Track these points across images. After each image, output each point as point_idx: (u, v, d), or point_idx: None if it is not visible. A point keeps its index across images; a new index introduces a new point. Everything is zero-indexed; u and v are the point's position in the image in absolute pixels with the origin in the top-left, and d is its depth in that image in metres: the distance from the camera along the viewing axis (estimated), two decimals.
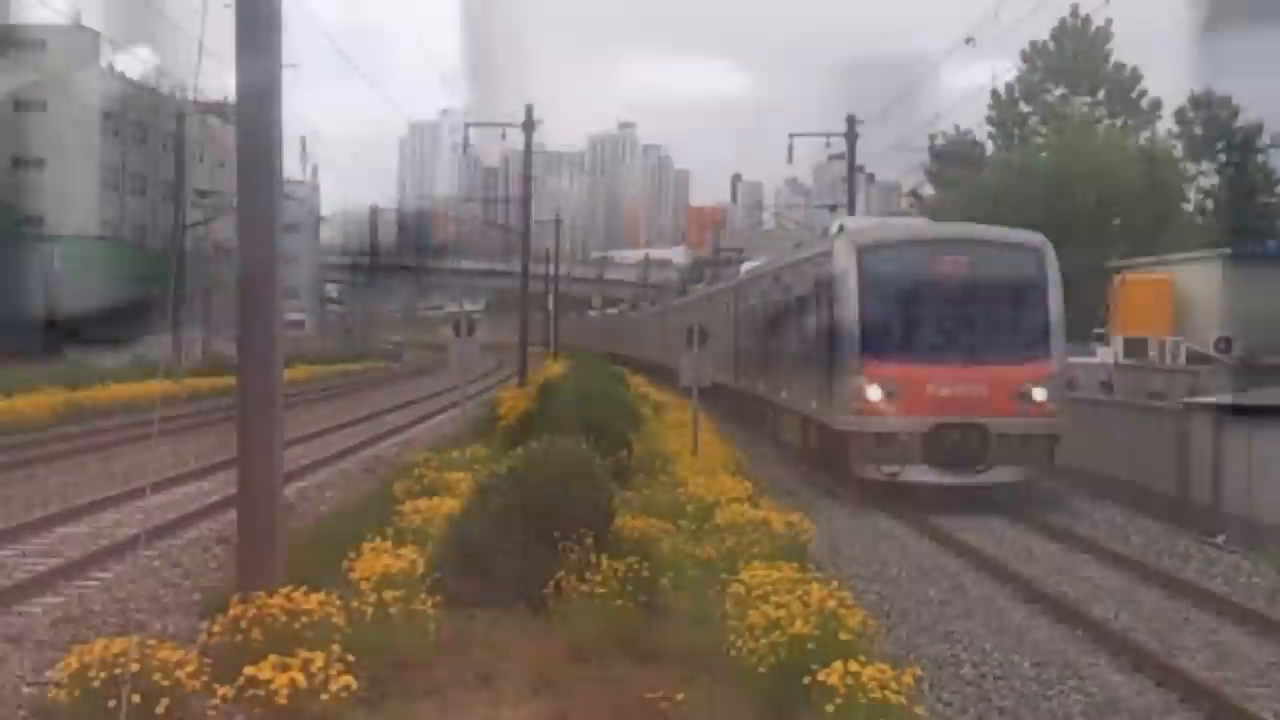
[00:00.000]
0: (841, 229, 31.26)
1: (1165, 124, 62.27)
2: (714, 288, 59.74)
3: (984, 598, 17.64)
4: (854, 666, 9.99)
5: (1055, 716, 12.22)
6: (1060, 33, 61.92)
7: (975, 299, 26.10)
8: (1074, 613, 16.50)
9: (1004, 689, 13.09)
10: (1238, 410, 24.33)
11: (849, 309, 25.55)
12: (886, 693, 9.71)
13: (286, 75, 13.80)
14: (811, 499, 25.79)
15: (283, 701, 9.84)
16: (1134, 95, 62.60)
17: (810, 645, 10.84)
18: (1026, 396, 24.75)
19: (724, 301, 50.49)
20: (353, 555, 14.63)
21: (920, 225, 36.12)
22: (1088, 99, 62.10)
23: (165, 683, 9.63)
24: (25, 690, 12.08)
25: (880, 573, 19.16)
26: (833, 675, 9.89)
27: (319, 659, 10.15)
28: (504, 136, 61.69)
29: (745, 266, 50.67)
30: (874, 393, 24.83)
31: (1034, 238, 27.97)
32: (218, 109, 52.87)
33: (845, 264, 26.10)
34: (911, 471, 24.57)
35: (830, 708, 9.69)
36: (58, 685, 10.17)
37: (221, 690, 10.32)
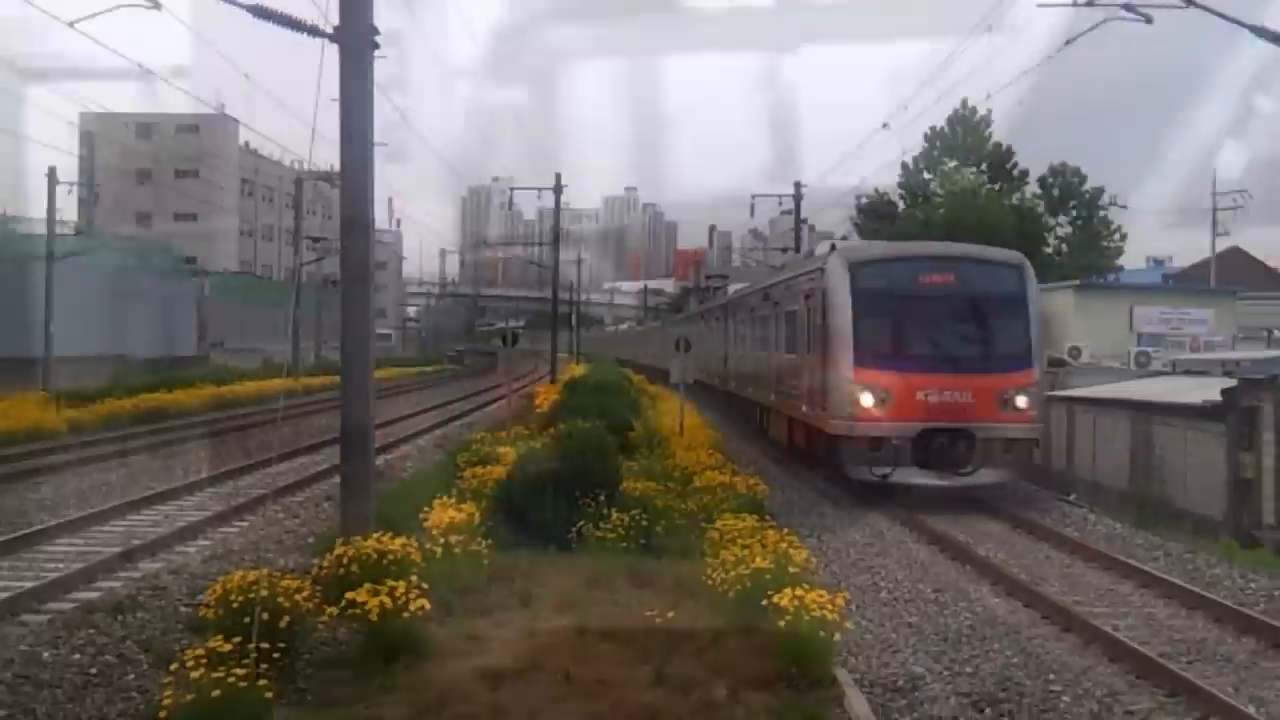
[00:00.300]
0: (834, 248, 26.97)
1: (1031, 188, 62.40)
2: (705, 305, 53.88)
3: (897, 540, 17.65)
4: (800, 592, 10.02)
5: (949, 629, 12.22)
6: (953, 119, 61.85)
7: (961, 312, 22.46)
8: (964, 553, 16.50)
9: (911, 609, 13.13)
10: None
11: (842, 320, 21.87)
12: (824, 611, 9.73)
13: (376, 151, 13.86)
14: (768, 469, 25.77)
15: (374, 619, 9.87)
16: (1008, 166, 62.56)
17: (767, 576, 10.87)
18: (1010, 403, 21.17)
19: (715, 317, 45.41)
20: (426, 509, 14.68)
21: (905, 245, 30.82)
22: (973, 169, 61.94)
23: (286, 604, 9.65)
24: (182, 610, 12.09)
25: (819, 522, 19.13)
26: (784, 598, 9.91)
27: (401, 586, 10.16)
28: (539, 197, 62.10)
29: (733, 288, 45.12)
30: (866, 399, 21.18)
31: (1014, 255, 24.26)
32: (326, 176, 52.89)
33: (838, 279, 22.32)
34: (901, 473, 20.87)
35: (782, 623, 9.72)
36: (206, 606, 10.19)
37: (329, 610, 10.37)
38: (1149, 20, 18.18)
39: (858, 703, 9.18)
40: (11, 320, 45.15)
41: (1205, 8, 17.57)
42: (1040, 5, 18.80)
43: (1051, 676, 10.39)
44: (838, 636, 9.97)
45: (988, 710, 9.50)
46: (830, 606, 9.81)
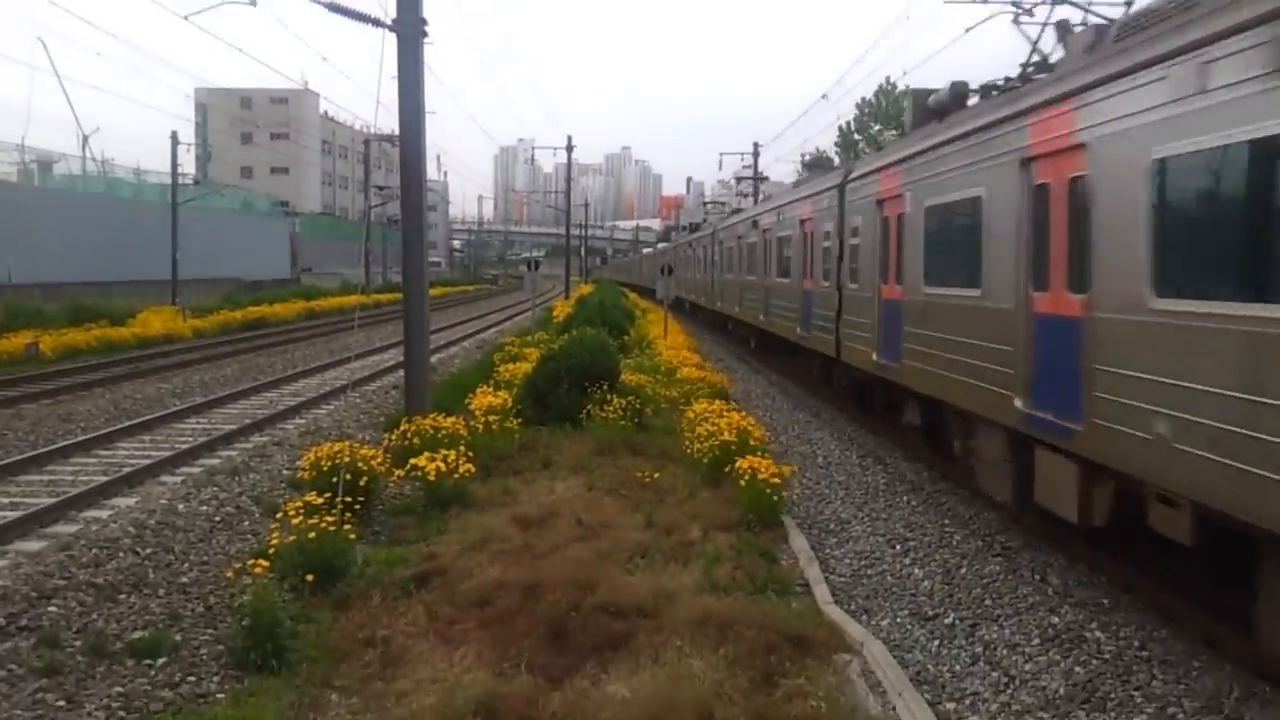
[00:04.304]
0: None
1: None
2: (693, 235, 45.52)
3: (831, 418, 17.57)
4: (755, 459, 10.11)
5: (868, 484, 12.28)
6: (879, 92, 60.81)
7: None
8: (883, 429, 16.46)
9: (840, 471, 13.16)
10: None
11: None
12: (774, 475, 9.82)
13: (427, 118, 13.64)
14: (733, 366, 25.80)
15: (431, 479, 9.97)
16: None
17: (732, 447, 10.95)
18: None
19: (701, 245, 38.85)
20: (470, 395, 14.72)
21: None
22: (894, 132, 61.18)
23: (364, 468, 9.73)
24: (284, 473, 12.17)
25: (771, 405, 19.14)
26: (744, 464, 10.00)
27: (452, 454, 10.26)
28: (555, 154, 61.34)
29: (721, 220, 36.68)
30: None
31: None
32: (388, 138, 52.25)
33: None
34: None
35: (743, 482, 9.81)
36: (302, 470, 10.26)
37: (397, 472, 10.46)
38: (1030, 13, 17.83)
39: (799, 541, 9.31)
40: (147, 252, 45.01)
41: (1074, 4, 17.19)
42: (947, 1, 18.35)
43: (946, 521, 10.52)
44: (784, 493, 10.08)
45: (898, 546, 9.62)
46: (778, 471, 9.92)
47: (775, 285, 22.15)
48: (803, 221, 19.17)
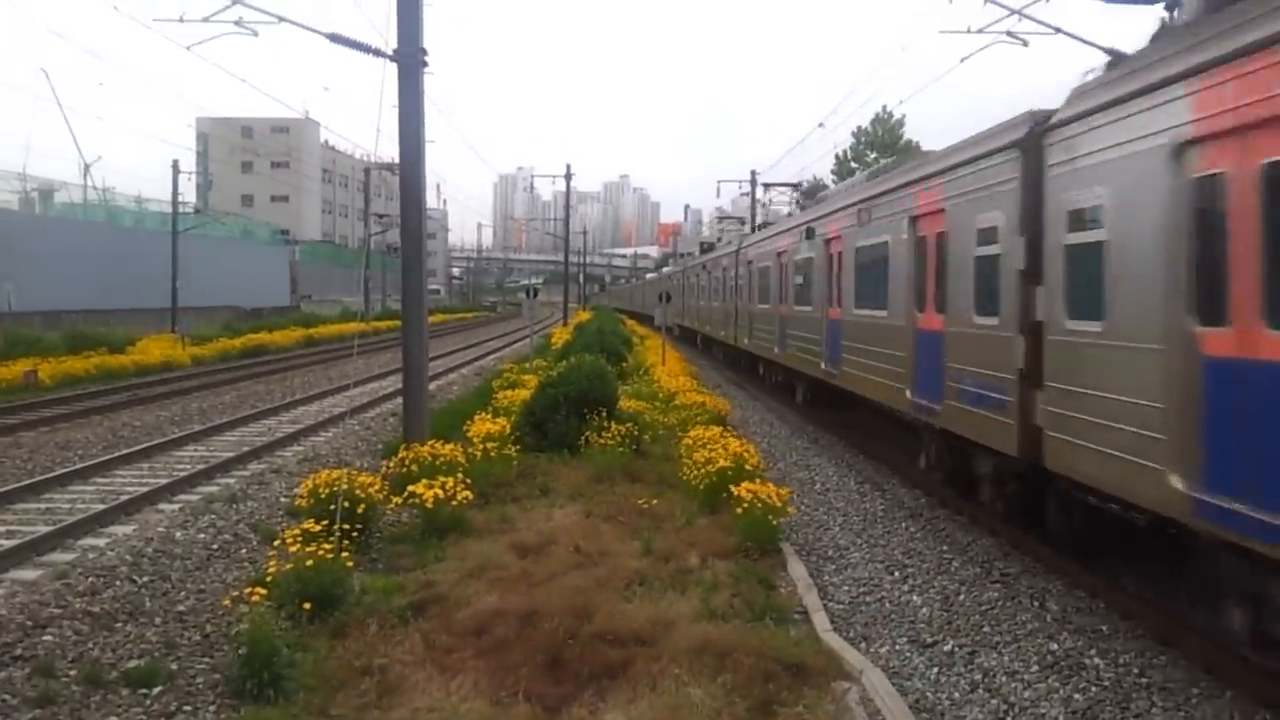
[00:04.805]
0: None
1: None
2: (706, 256, 38.88)
3: (829, 444, 17.56)
4: (753, 485, 10.09)
5: (866, 511, 12.24)
6: (875, 121, 61.18)
7: None
8: (879, 455, 16.44)
9: (838, 497, 13.13)
10: None
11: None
12: (772, 500, 9.81)
13: (426, 147, 13.72)
14: (733, 394, 25.73)
15: (429, 506, 9.95)
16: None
17: (729, 473, 10.93)
18: None
19: (719, 267, 32.25)
20: (468, 422, 14.71)
21: None
22: (890, 160, 61.54)
23: (362, 495, 9.72)
24: (282, 500, 12.14)
25: (769, 432, 19.08)
26: (742, 490, 9.99)
27: (450, 481, 10.24)
28: (554, 182, 61.93)
29: (746, 237, 30.38)
30: None
31: None
32: (388, 167, 52.60)
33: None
34: None
35: (740, 509, 9.80)
36: (300, 497, 10.24)
37: (394, 499, 10.44)
38: (1025, 44, 18.01)
39: (798, 568, 9.28)
40: (147, 280, 45.08)
41: (1068, 34, 17.34)
42: (942, 32, 18.51)
43: (945, 547, 10.48)
44: (782, 519, 10.06)
45: (896, 573, 9.59)
46: (776, 496, 9.91)
47: (854, 323, 15.37)
48: (915, 220, 12.52)
